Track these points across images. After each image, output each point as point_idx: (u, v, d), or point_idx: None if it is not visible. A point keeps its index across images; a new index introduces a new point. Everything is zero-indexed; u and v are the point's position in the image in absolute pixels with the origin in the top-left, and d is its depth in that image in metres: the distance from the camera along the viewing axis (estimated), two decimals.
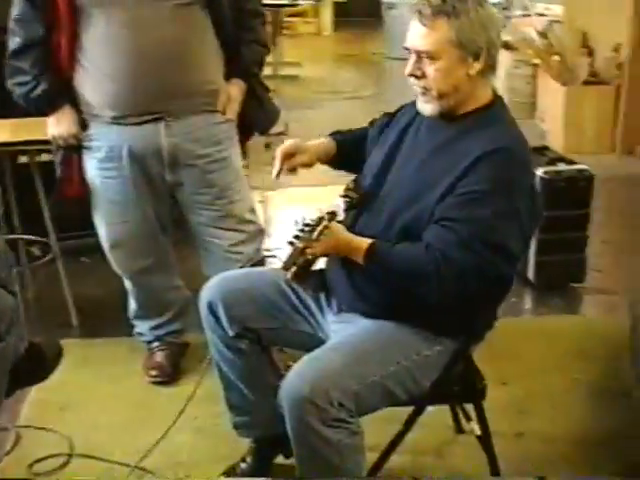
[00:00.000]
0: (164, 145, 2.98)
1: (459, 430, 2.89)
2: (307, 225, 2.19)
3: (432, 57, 2.17)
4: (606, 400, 3.21)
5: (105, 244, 3.20)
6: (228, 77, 3.10)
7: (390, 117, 2.51)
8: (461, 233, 2.09)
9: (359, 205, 2.36)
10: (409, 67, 2.23)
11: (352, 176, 2.52)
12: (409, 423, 2.36)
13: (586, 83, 6.49)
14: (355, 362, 2.18)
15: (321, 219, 2.20)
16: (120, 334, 3.60)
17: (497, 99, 2.30)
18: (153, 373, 3.32)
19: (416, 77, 2.22)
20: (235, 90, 3.11)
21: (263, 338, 2.49)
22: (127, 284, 3.33)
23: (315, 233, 2.17)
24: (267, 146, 3.42)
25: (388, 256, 2.19)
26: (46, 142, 3.19)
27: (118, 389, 3.31)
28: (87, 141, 3.05)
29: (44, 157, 3.66)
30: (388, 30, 11.24)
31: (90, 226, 3.27)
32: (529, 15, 7.55)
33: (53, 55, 2.96)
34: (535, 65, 7.03)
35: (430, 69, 2.18)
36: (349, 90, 9.04)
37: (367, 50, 11.51)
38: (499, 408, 2.86)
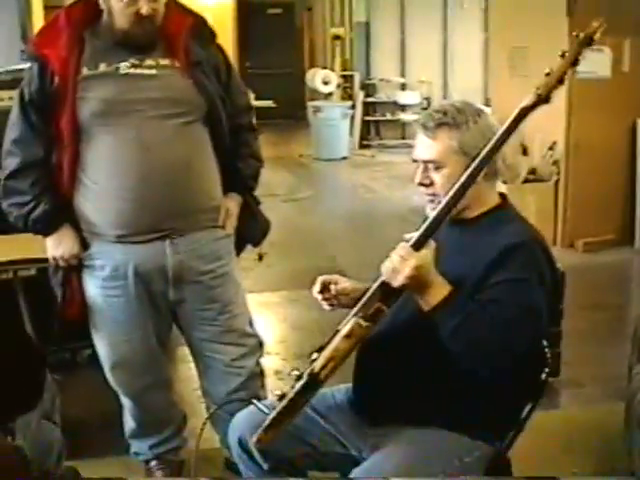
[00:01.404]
0: (170, 263, 2.95)
1: None
2: None
3: (438, 166, 2.32)
4: None
5: (106, 364, 3.13)
6: (225, 191, 3.11)
7: None
8: (510, 316, 2.14)
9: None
10: (418, 176, 2.36)
11: None
12: None
13: (526, 181, 6.73)
14: (406, 473, 2.18)
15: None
16: (107, 454, 3.50)
17: (505, 201, 2.41)
18: None
19: (424, 185, 2.35)
20: (233, 204, 3.13)
21: (298, 465, 2.47)
22: (126, 403, 3.25)
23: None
24: (260, 258, 3.43)
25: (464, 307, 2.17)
26: (27, 261, 3.14)
27: None
28: (88, 260, 2.98)
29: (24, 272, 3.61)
30: (315, 132, 11.48)
31: (63, 342, 3.19)
32: None
33: (53, 175, 2.91)
34: None
35: (437, 177, 2.32)
36: (284, 192, 9.15)
37: (294, 152, 11.69)
38: None
